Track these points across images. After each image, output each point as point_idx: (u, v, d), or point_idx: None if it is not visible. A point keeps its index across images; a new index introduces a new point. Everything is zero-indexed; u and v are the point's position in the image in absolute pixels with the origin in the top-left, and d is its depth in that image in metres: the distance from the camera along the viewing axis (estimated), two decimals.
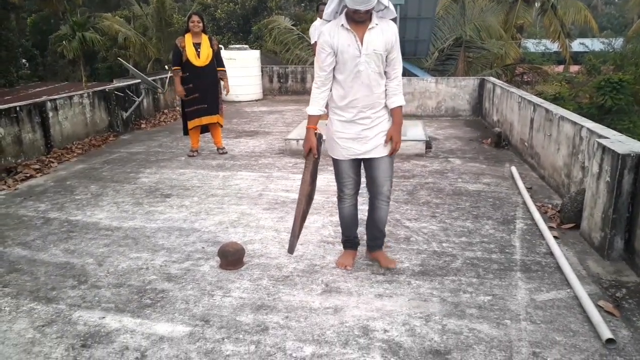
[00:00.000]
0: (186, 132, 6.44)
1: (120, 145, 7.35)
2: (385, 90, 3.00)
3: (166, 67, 10.54)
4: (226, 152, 6.59)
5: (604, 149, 3.53)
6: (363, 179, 3.24)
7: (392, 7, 2.91)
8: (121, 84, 8.77)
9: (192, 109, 6.21)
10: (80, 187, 5.27)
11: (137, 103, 8.55)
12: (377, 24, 2.85)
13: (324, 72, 2.93)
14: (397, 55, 2.96)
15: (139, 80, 8.91)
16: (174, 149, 6.94)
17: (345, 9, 2.83)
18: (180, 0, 26.28)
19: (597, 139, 3.72)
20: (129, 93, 8.49)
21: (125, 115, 8.22)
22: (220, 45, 6.57)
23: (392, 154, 3.07)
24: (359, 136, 2.99)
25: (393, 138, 3.03)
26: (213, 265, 3.42)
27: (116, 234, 4.02)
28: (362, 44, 2.83)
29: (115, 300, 2.99)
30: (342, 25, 2.83)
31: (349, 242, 3.39)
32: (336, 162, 3.14)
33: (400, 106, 3.05)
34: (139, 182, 5.42)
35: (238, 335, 2.62)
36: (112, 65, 24.06)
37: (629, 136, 4.28)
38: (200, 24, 6.09)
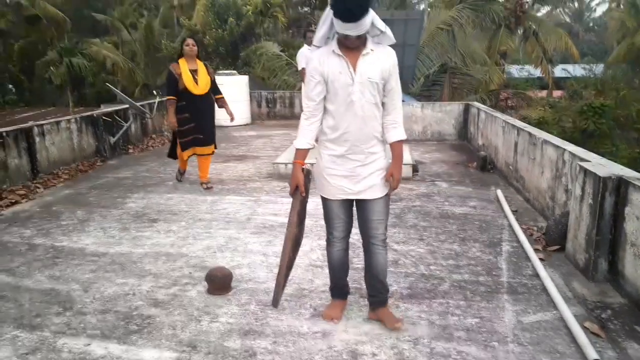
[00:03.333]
0: (172, 156, 6.16)
1: (107, 170, 7.32)
2: (384, 123, 2.71)
3: (154, 92, 10.59)
4: (211, 188, 6.05)
5: (586, 172, 3.61)
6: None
7: (389, 32, 2.62)
8: (109, 109, 8.78)
9: (187, 139, 5.81)
10: (66, 213, 5.22)
11: (125, 128, 8.56)
12: (372, 50, 2.58)
13: (313, 102, 2.66)
14: (395, 85, 2.67)
15: (127, 106, 8.94)
16: (161, 174, 6.93)
17: (337, 35, 2.58)
18: (169, 26, 26.53)
19: (579, 163, 3.80)
20: (117, 118, 8.49)
21: (112, 140, 8.21)
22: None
23: (392, 191, 2.82)
24: (351, 174, 2.69)
25: (394, 176, 2.74)
26: (200, 291, 3.40)
27: (102, 259, 3.98)
28: (355, 71, 2.55)
29: (101, 327, 2.95)
30: (333, 51, 2.57)
31: (338, 290, 3.06)
32: (325, 202, 2.83)
33: (401, 141, 2.76)
34: (126, 207, 5.39)
35: None
36: (100, 91, 24.07)
37: (611, 159, 4.38)
38: (195, 48, 5.69)
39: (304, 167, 2.75)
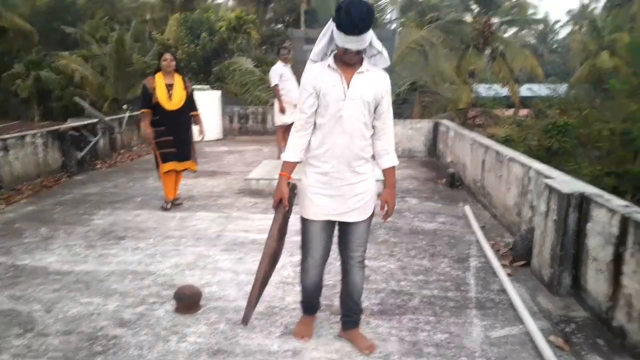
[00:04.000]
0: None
1: (73, 186, 7.15)
2: (375, 149, 2.70)
3: (124, 107, 10.44)
4: (181, 204, 5.97)
5: (551, 189, 3.71)
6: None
7: (386, 54, 2.61)
8: (76, 124, 8.61)
9: (165, 151, 5.65)
10: (29, 230, 5.07)
11: (92, 143, 8.39)
12: (367, 70, 2.57)
13: (304, 115, 2.61)
14: (387, 109, 2.65)
15: (95, 120, 8.79)
16: (129, 190, 6.81)
17: (334, 51, 2.57)
18: (141, 40, 26.31)
19: (544, 180, 3.91)
20: (85, 133, 8.33)
21: (80, 155, 8.04)
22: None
23: (385, 219, 2.81)
24: (337, 193, 2.63)
25: (388, 203, 2.74)
26: (168, 310, 3.34)
27: (66, 278, 3.87)
28: (348, 87, 2.54)
29: (63, 349, 2.86)
30: (329, 65, 2.56)
31: (309, 308, 3.03)
32: (306, 223, 2.74)
33: (394, 167, 2.75)
34: (92, 224, 5.27)
35: None
36: (67, 105, 23.61)
37: (575, 177, 4.52)
38: (173, 63, 5.57)
39: (289, 180, 2.69)
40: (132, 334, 3.03)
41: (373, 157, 2.73)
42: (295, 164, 2.70)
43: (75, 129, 8.16)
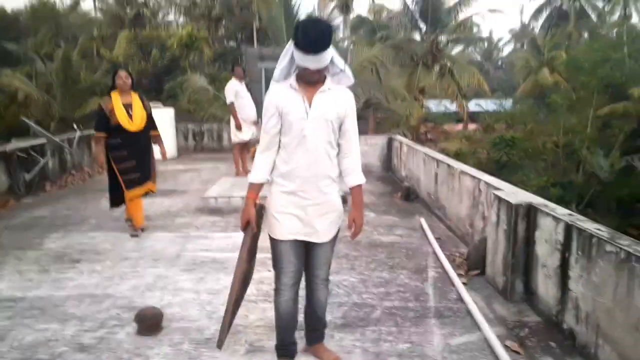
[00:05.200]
0: (116, 203, 5.56)
1: (22, 209, 6.88)
2: (341, 167, 2.68)
3: (74, 126, 10.13)
4: (140, 232, 5.56)
5: (500, 200, 3.91)
6: None
7: (349, 72, 2.60)
8: (23, 144, 8.30)
9: (129, 177, 5.33)
10: None
11: (41, 164, 8.10)
12: (329, 89, 2.55)
13: (268, 135, 2.58)
14: (352, 127, 2.63)
15: (45, 140, 8.50)
16: (82, 212, 6.62)
17: (296, 71, 2.54)
18: (88, 57, 25.63)
19: (494, 191, 4.11)
20: (33, 153, 8.04)
21: (28, 177, 7.74)
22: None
23: (354, 237, 2.79)
24: (302, 213, 2.59)
25: (356, 221, 2.72)
26: (130, 332, 3.27)
27: (20, 304, 3.72)
28: (310, 106, 2.51)
29: None
30: (291, 85, 2.53)
31: (284, 350, 2.85)
32: (275, 243, 2.66)
33: (360, 185, 2.72)
34: (45, 247, 5.09)
35: None
36: (10, 124, 22.64)
37: (523, 188, 4.77)
38: (129, 80, 5.29)
39: (257, 201, 2.65)
40: (93, 358, 2.95)
41: (339, 176, 2.73)
42: (262, 185, 2.67)
43: (22, 149, 7.87)
